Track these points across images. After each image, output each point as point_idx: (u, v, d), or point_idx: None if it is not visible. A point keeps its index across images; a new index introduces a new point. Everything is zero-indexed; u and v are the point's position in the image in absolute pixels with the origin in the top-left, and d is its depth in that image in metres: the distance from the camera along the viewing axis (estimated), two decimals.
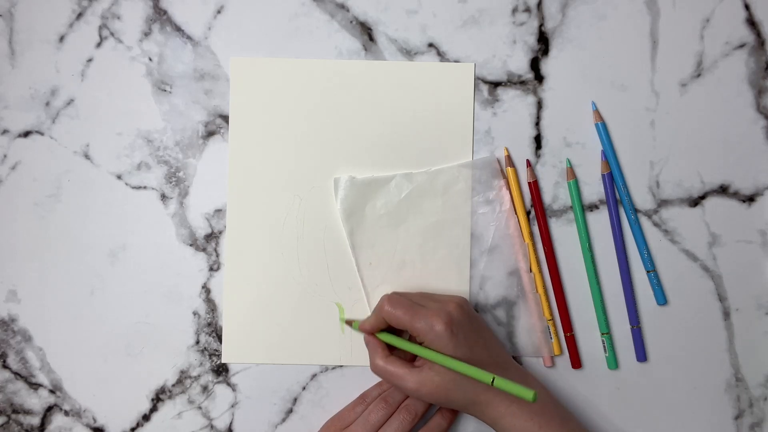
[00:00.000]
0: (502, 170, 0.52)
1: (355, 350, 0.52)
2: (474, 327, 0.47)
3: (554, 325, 0.52)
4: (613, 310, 0.52)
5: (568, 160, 0.52)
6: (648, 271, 0.52)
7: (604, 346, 0.52)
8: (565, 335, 0.52)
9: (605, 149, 0.52)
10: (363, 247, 0.52)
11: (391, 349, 0.49)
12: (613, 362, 0.52)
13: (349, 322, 0.52)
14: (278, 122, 0.53)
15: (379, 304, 0.48)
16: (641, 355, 0.52)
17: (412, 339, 0.48)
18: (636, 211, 0.52)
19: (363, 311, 0.53)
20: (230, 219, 0.52)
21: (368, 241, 0.52)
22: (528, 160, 0.52)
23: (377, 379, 0.52)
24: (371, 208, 0.52)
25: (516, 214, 0.52)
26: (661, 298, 0.52)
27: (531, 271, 0.52)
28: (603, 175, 0.52)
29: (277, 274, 0.52)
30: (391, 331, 0.49)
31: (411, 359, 0.49)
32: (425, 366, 0.46)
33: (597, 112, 0.52)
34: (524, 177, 0.52)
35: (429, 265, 0.52)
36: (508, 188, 0.52)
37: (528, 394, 0.40)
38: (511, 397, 0.45)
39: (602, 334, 0.52)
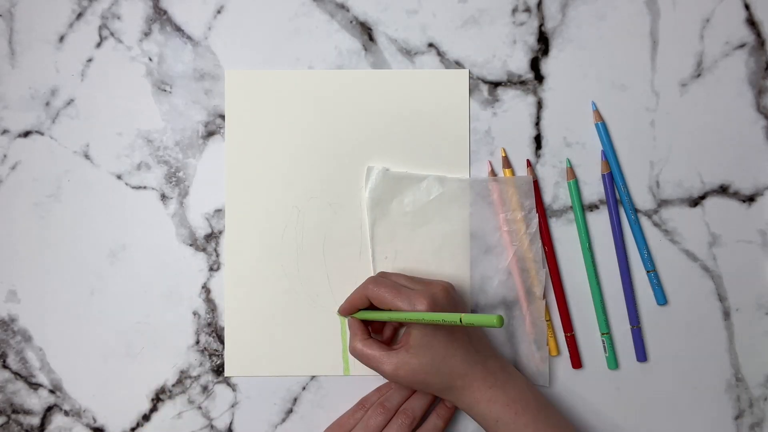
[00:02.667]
0: (537, 191, 0.52)
1: (358, 361, 0.52)
2: (456, 312, 0.47)
3: (552, 326, 0.52)
4: (613, 310, 0.52)
5: (568, 160, 0.52)
6: (648, 271, 0.52)
7: (604, 346, 0.52)
8: (565, 335, 0.52)
9: (605, 149, 0.52)
10: (382, 239, 0.52)
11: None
12: (613, 362, 0.52)
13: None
14: (274, 134, 0.52)
15: (364, 283, 0.48)
16: (641, 355, 0.52)
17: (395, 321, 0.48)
18: (636, 211, 0.52)
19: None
20: (228, 228, 0.52)
21: (388, 235, 0.52)
22: (528, 160, 0.52)
23: (377, 380, 0.52)
24: (398, 203, 0.52)
25: (541, 238, 0.52)
26: (661, 298, 0.52)
27: (544, 297, 0.52)
28: (603, 175, 0.52)
29: (278, 286, 0.52)
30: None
31: (389, 344, 0.50)
32: (402, 349, 0.46)
33: (597, 112, 0.52)
34: None
35: (443, 271, 0.52)
36: (539, 210, 0.52)
37: (491, 319, 0.38)
38: (488, 383, 0.46)
39: (602, 334, 0.52)
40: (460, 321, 0.41)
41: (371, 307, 0.49)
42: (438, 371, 0.45)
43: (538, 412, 0.46)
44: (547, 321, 0.52)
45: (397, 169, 0.52)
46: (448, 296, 0.47)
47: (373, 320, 0.49)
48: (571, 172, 0.52)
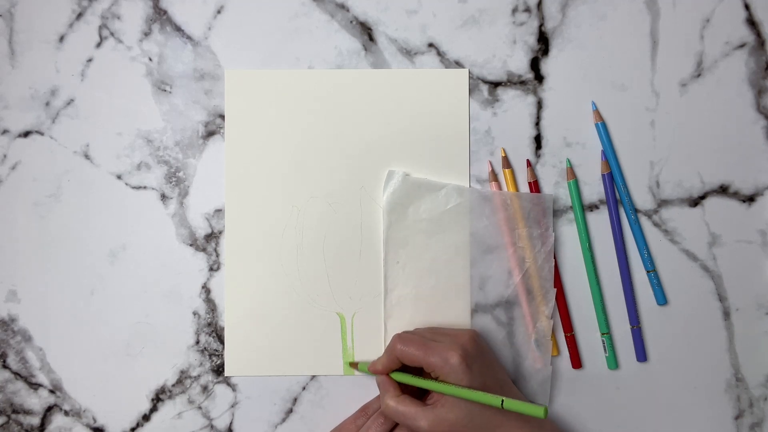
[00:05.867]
0: (553, 209, 0.52)
1: (359, 362, 0.52)
2: (486, 360, 0.47)
3: (552, 326, 0.52)
4: (613, 310, 0.52)
5: (568, 160, 0.52)
6: (648, 271, 0.52)
7: (604, 346, 0.52)
8: (565, 335, 0.52)
9: (605, 149, 0.52)
10: (395, 244, 0.52)
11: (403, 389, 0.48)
12: (613, 362, 0.52)
13: (354, 365, 0.52)
14: (274, 133, 0.52)
15: (391, 343, 0.47)
16: (641, 355, 0.52)
17: (425, 376, 0.47)
18: (636, 211, 0.52)
19: (364, 321, 0.52)
20: (228, 228, 0.52)
21: (402, 240, 0.52)
22: (528, 160, 0.52)
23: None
24: (414, 210, 0.52)
25: (555, 257, 0.52)
26: (661, 298, 0.52)
27: (551, 318, 0.52)
28: (603, 175, 0.52)
29: (278, 285, 0.52)
30: (403, 370, 0.48)
31: (423, 399, 0.48)
32: (437, 403, 0.45)
33: (597, 112, 0.52)
34: (524, 177, 0.52)
35: (454, 281, 0.52)
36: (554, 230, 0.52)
37: (539, 411, 0.40)
38: (526, 426, 0.45)
39: (602, 334, 0.52)
40: (501, 405, 0.42)
41: (403, 367, 0.48)
42: (474, 424, 0.45)
43: None
44: (549, 319, 0.52)
45: (416, 175, 0.52)
46: (476, 345, 0.47)
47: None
48: (571, 172, 0.52)
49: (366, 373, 0.50)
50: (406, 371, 0.48)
